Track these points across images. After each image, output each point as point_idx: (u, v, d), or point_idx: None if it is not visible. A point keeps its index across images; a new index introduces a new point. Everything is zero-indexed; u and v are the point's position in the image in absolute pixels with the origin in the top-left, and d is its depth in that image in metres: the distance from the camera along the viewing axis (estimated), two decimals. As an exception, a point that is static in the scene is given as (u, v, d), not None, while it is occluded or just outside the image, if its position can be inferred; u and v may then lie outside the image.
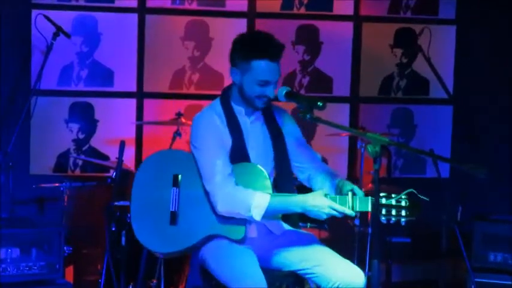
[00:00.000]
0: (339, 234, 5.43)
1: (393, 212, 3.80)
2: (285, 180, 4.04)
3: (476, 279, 5.26)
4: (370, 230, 5.45)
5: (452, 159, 3.82)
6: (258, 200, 3.83)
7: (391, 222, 3.83)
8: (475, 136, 6.47)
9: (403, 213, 3.80)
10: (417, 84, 6.55)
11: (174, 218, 3.96)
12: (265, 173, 3.96)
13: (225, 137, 3.99)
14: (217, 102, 4.08)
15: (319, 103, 3.85)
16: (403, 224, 3.83)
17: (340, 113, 6.43)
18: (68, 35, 5.62)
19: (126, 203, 5.11)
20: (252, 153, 4.01)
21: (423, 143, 6.43)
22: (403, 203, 3.81)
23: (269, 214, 3.87)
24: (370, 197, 3.79)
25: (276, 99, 4.01)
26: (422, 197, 3.77)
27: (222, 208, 3.89)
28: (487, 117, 6.49)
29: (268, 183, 3.95)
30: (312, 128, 6.34)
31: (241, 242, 3.93)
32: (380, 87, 6.53)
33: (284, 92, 3.98)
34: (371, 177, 5.44)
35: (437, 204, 5.94)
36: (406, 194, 3.80)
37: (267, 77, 3.91)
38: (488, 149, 6.46)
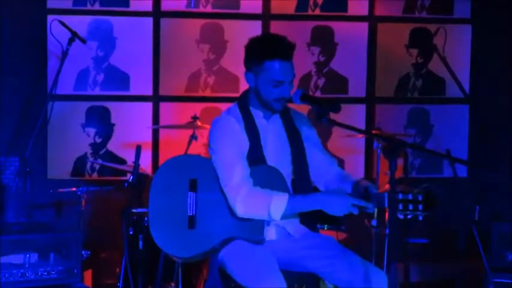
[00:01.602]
0: (356, 236, 5.42)
1: (410, 207, 3.79)
2: (303, 183, 4.05)
3: (494, 280, 5.23)
4: (387, 231, 5.43)
5: (466, 161, 3.81)
6: (277, 200, 3.85)
7: (409, 217, 3.81)
8: (492, 135, 6.44)
9: (420, 208, 3.79)
10: (433, 84, 6.53)
11: (192, 222, 3.97)
12: (282, 174, 3.96)
13: (242, 140, 4.00)
14: (235, 107, 4.10)
15: (334, 106, 3.84)
16: (420, 219, 3.82)
17: (356, 114, 6.42)
18: (83, 40, 5.64)
19: (143, 210, 5.13)
20: (269, 156, 4.02)
21: (440, 143, 6.42)
22: (419, 198, 3.79)
23: (288, 213, 3.88)
24: (386, 193, 3.78)
25: (291, 101, 4.01)
26: (438, 191, 3.76)
27: (241, 210, 3.90)
28: (504, 116, 6.46)
29: (285, 185, 3.96)
30: (328, 130, 6.34)
31: (260, 244, 3.94)
32: (396, 87, 6.52)
33: (299, 95, 3.98)
34: (387, 177, 5.42)
35: (454, 204, 5.95)
36: (422, 189, 3.79)
37: (280, 77, 3.92)
38: (505, 148, 6.43)
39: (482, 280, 5.34)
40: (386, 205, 3.80)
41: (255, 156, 3.98)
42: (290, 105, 4.12)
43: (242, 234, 3.95)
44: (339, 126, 3.96)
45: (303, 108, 4.25)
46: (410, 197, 3.81)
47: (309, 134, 4.17)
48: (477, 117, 6.52)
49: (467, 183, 6.12)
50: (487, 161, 6.29)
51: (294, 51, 3.98)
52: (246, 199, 3.88)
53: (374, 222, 5.37)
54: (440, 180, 6.38)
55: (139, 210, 5.16)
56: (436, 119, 6.55)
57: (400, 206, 3.80)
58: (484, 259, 5.22)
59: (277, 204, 3.84)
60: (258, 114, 4.07)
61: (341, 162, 6.42)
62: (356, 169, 6.39)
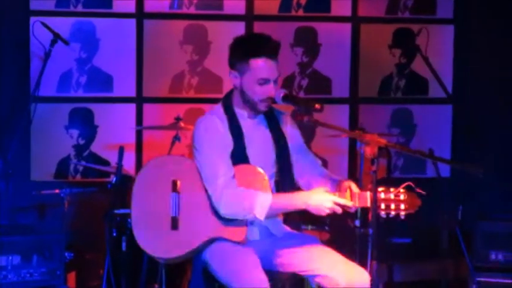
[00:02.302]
0: (340, 236, 5.42)
1: (392, 206, 3.81)
2: (287, 184, 4.05)
3: (478, 279, 5.25)
4: (371, 231, 5.44)
5: (447, 159, 3.83)
6: (261, 200, 3.85)
7: (391, 216, 3.83)
8: (475, 135, 6.46)
9: (402, 207, 3.81)
10: (416, 84, 6.55)
11: (175, 223, 3.97)
12: (265, 175, 3.96)
13: (226, 140, 4.00)
14: (219, 107, 4.10)
15: (316, 105, 3.85)
16: (402, 218, 3.84)
17: (339, 114, 6.43)
18: (66, 42, 5.63)
19: (126, 211, 5.12)
20: (253, 156, 4.02)
21: (423, 143, 6.42)
22: (401, 197, 3.82)
23: (272, 213, 3.89)
24: (368, 192, 3.80)
25: (274, 101, 4.02)
26: (419, 191, 3.79)
27: (225, 210, 3.90)
28: (487, 116, 6.48)
29: (267, 184, 3.96)
30: (311, 130, 6.34)
31: (243, 244, 3.94)
32: (379, 87, 6.53)
33: (281, 94, 3.98)
34: (371, 177, 5.43)
35: (438, 203, 5.96)
36: (404, 188, 3.82)
37: (266, 75, 3.93)
38: (488, 148, 6.44)
39: (466, 279, 5.36)
40: (368, 204, 3.81)
41: (239, 157, 3.99)
42: (273, 105, 4.12)
43: (225, 234, 3.95)
44: (320, 126, 3.97)
45: (287, 109, 4.25)
46: (392, 196, 3.83)
47: (293, 134, 4.18)
48: (460, 117, 6.53)
49: (451, 182, 6.13)
50: (470, 161, 6.31)
51: (279, 50, 3.97)
52: (231, 199, 3.88)
53: (357, 222, 5.37)
54: (423, 180, 6.40)
55: (122, 211, 5.15)
56: (420, 119, 6.56)
57: (383, 205, 3.82)
58: (468, 258, 5.23)
59: (261, 204, 3.84)
60: (242, 115, 4.07)
61: (324, 163, 6.39)
62: (340, 169, 6.40)
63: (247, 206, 3.87)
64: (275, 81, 3.99)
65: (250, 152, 4.02)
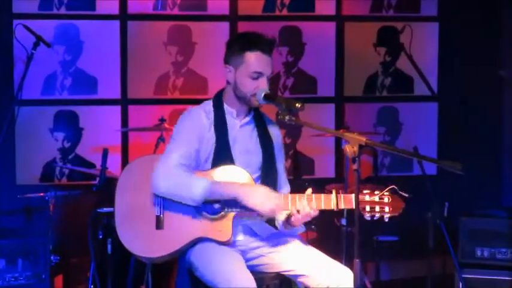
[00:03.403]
0: (326, 235, 5.42)
1: (377, 209, 3.81)
2: (270, 185, 4.01)
3: (464, 275, 5.25)
4: (358, 229, 5.44)
5: (428, 157, 3.83)
6: (199, 181, 3.85)
7: (375, 218, 3.83)
8: (461, 132, 6.47)
9: (387, 209, 3.81)
10: (402, 82, 6.56)
11: (159, 222, 3.95)
12: (248, 175, 3.95)
13: (204, 133, 3.99)
14: (209, 101, 4.11)
15: (297, 104, 3.84)
16: (386, 220, 3.84)
17: (325, 114, 6.43)
18: (48, 45, 5.60)
19: (110, 209, 5.10)
20: (237, 156, 4.00)
21: (409, 141, 6.44)
22: (385, 200, 3.82)
23: (209, 196, 3.85)
24: (353, 194, 3.79)
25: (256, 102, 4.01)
26: (403, 193, 3.78)
27: (162, 185, 3.87)
28: (472, 113, 6.49)
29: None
30: (297, 129, 6.34)
31: (227, 244, 3.93)
32: (364, 86, 6.53)
33: (263, 94, 3.98)
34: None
35: (424, 201, 5.96)
36: (388, 191, 3.81)
37: (259, 68, 3.95)
38: (474, 145, 6.46)
39: (453, 276, 5.36)
40: (353, 206, 3.80)
41: (222, 154, 3.98)
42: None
43: (210, 234, 3.93)
44: (302, 125, 3.97)
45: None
46: (377, 198, 3.82)
47: (278, 147, 4.16)
48: (446, 114, 6.54)
49: (437, 180, 6.13)
50: (455, 158, 6.30)
51: (274, 48, 4.01)
52: (170, 175, 3.87)
53: (343, 221, 5.38)
54: (410, 178, 6.41)
55: (106, 210, 5.11)
56: (405, 117, 6.57)
57: (368, 208, 3.81)
58: (453, 255, 5.23)
59: (197, 188, 3.83)
60: (231, 112, 4.07)
61: (311, 162, 6.43)
62: (326, 168, 6.41)
63: (184, 184, 3.85)
64: (268, 77, 3.99)
65: (235, 150, 4.01)
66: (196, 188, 3.84)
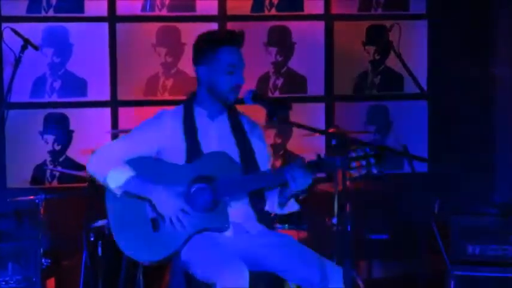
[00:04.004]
0: (318, 234, 5.42)
1: (363, 163, 3.77)
2: None
3: (455, 272, 5.25)
4: (349, 228, 5.44)
5: (408, 153, 3.86)
6: (119, 171, 3.90)
7: (363, 172, 3.80)
8: (451, 130, 6.48)
9: (373, 161, 3.77)
10: (391, 81, 6.56)
11: (155, 224, 3.95)
12: (233, 159, 3.96)
13: (174, 141, 4.00)
14: (181, 106, 4.13)
15: (284, 105, 3.86)
16: (374, 172, 3.81)
17: (315, 113, 6.42)
18: (36, 47, 5.58)
19: (104, 222, 5.10)
20: None
21: (399, 139, 6.44)
22: (367, 150, 3.77)
23: (126, 189, 3.91)
24: (337, 157, 3.78)
25: (243, 102, 4.01)
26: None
27: (90, 165, 4.00)
28: (462, 110, 6.49)
29: (237, 166, 3.95)
30: (288, 129, 6.34)
31: (225, 230, 3.93)
32: (354, 85, 6.53)
33: (251, 94, 3.98)
34: (347, 175, 5.44)
35: (414, 198, 5.97)
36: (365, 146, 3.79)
37: (234, 61, 3.97)
38: (464, 142, 6.46)
39: (444, 274, 5.36)
40: (339, 166, 3.78)
41: (194, 153, 3.99)
42: (243, 108, 4.11)
43: (207, 224, 3.92)
44: (289, 125, 3.98)
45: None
46: (360, 152, 3.79)
47: (258, 146, 4.14)
48: (436, 112, 6.54)
49: (427, 177, 6.14)
50: (446, 156, 6.33)
51: (243, 41, 4.03)
52: (100, 157, 3.98)
53: (335, 220, 5.37)
54: (401, 176, 6.40)
55: (99, 223, 5.10)
56: (395, 115, 6.57)
57: (354, 164, 3.79)
58: (444, 253, 5.23)
59: (117, 175, 3.89)
60: (201, 113, 4.07)
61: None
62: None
63: (105, 168, 3.92)
64: (242, 70, 4.00)
65: (209, 150, 4.01)
66: (115, 176, 3.90)
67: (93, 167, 4.01)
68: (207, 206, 3.94)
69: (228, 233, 4.01)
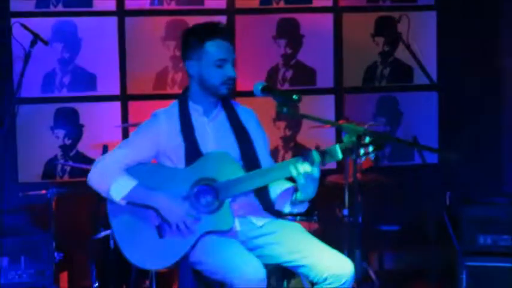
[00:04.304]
0: (329, 226, 5.42)
1: (361, 152, 3.75)
2: None
3: (467, 263, 5.26)
4: (360, 220, 5.47)
5: (425, 145, 3.86)
6: (122, 182, 3.89)
7: (363, 159, 3.79)
8: (461, 121, 6.47)
9: (370, 149, 3.76)
10: (401, 72, 6.54)
11: (161, 231, 3.95)
12: (233, 159, 3.94)
13: (172, 141, 3.99)
14: (175, 104, 4.11)
15: (294, 96, 3.84)
16: (372, 158, 3.81)
17: (325, 105, 6.41)
18: (45, 42, 5.59)
19: (107, 232, 5.10)
20: None
21: (409, 130, 6.43)
22: (367, 140, 3.75)
23: (130, 200, 3.90)
24: (337, 145, 3.77)
25: (253, 95, 4.01)
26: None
27: (93, 177, 3.99)
28: (472, 101, 6.49)
29: (238, 166, 3.94)
30: (297, 121, 6.34)
31: (231, 233, 3.92)
32: (364, 76, 6.52)
33: (260, 86, 3.98)
34: (358, 167, 5.45)
35: (425, 190, 5.97)
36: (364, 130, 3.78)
37: (223, 55, 3.96)
38: (474, 133, 6.45)
39: (456, 265, 5.37)
40: (340, 157, 3.78)
41: (192, 153, 3.97)
42: (253, 100, 4.11)
43: (212, 226, 3.91)
44: (300, 117, 3.98)
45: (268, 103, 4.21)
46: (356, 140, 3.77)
47: (256, 133, 4.13)
48: (446, 103, 6.52)
49: (438, 169, 6.14)
50: (456, 147, 6.32)
51: (231, 34, 4.11)
52: (101, 168, 3.97)
53: (345, 212, 5.38)
54: (412, 167, 6.40)
55: (103, 234, 5.09)
56: (405, 106, 6.55)
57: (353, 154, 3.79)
58: (456, 244, 5.24)
59: (120, 186, 3.89)
60: (197, 110, 4.05)
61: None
62: (327, 160, 6.39)
63: (107, 180, 3.91)
64: (232, 62, 3.99)
65: (208, 148, 3.99)
66: (118, 188, 3.89)
67: (95, 181, 4.00)
68: (211, 208, 3.93)
69: (235, 228, 4.00)
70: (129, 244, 3.94)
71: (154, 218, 3.95)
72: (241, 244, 3.92)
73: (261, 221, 4.04)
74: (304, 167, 3.79)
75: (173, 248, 3.91)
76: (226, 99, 4.12)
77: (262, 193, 4.01)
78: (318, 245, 3.92)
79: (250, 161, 4.02)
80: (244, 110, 4.18)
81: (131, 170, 3.98)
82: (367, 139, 3.72)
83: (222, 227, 3.91)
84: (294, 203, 3.96)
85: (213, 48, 3.96)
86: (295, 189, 3.90)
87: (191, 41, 4.02)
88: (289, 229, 4.02)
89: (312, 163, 3.79)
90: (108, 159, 4.02)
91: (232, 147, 4.04)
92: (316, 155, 3.79)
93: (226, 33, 4.03)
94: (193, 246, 3.91)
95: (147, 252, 3.93)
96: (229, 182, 3.90)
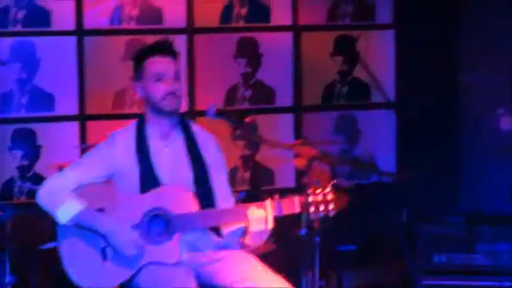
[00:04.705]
0: (285, 246, 5.42)
1: (321, 208, 3.81)
2: (206, 206, 3.99)
3: (423, 282, 5.28)
4: (317, 239, 5.46)
5: (376, 167, 3.87)
6: (70, 205, 3.86)
7: (321, 216, 3.84)
8: (418, 138, 6.51)
9: (331, 206, 3.81)
10: (359, 90, 6.58)
11: (105, 254, 3.93)
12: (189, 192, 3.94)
13: (127, 164, 3.97)
14: (133, 125, 4.10)
15: (246, 119, 3.87)
16: (331, 215, 3.86)
17: (284, 124, 6.43)
18: (3, 63, 5.57)
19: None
20: (166, 178, 3.98)
21: (368, 148, 6.47)
22: (329, 197, 3.82)
23: (77, 222, 3.88)
24: (297, 197, 3.81)
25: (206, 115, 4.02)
26: (345, 184, 3.82)
27: (40, 196, 3.97)
28: (430, 120, 6.53)
29: (194, 201, 3.93)
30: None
31: (176, 265, 3.90)
32: (322, 95, 6.55)
33: (213, 109, 3.99)
34: (314, 186, 5.46)
35: (382, 208, 6.00)
36: (331, 187, 3.82)
37: (160, 69, 3.97)
38: (431, 151, 6.49)
39: (412, 283, 5.39)
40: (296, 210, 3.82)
41: (148, 178, 3.96)
42: (203, 122, 4.12)
43: (158, 257, 3.90)
44: (256, 141, 4.00)
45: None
46: (320, 197, 3.83)
47: (214, 160, 4.12)
48: (403, 121, 6.57)
49: (395, 187, 6.16)
50: (414, 165, 6.35)
51: (174, 48, 4.06)
52: (50, 188, 3.96)
53: (303, 231, 5.37)
54: (369, 185, 6.43)
55: (50, 245, 5.07)
56: (364, 125, 6.59)
57: (312, 208, 3.83)
58: (412, 262, 5.26)
59: (67, 209, 3.86)
60: (153, 134, 4.05)
61: (271, 173, 6.43)
62: (287, 178, 6.41)
63: (56, 202, 3.89)
64: (175, 78, 3.99)
65: (163, 172, 3.98)
66: (65, 210, 3.87)
67: (43, 200, 3.98)
68: (160, 239, 3.92)
69: (184, 255, 3.97)
70: (72, 261, 3.93)
71: (101, 240, 3.93)
72: (191, 271, 3.90)
73: (207, 246, 4.04)
74: (259, 215, 3.83)
75: (114, 273, 3.90)
76: (185, 123, 4.11)
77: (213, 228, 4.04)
78: (261, 271, 3.92)
79: (203, 190, 4.01)
80: (204, 135, 4.16)
81: (84, 191, 3.96)
82: (330, 196, 3.78)
83: (167, 259, 3.89)
84: (240, 244, 3.98)
85: (151, 64, 3.98)
86: (245, 232, 3.93)
87: (135, 62, 4.08)
88: (238, 257, 4.00)
89: (266, 213, 3.83)
90: (58, 179, 4.00)
91: (186, 175, 4.03)
92: (269, 207, 3.83)
93: (164, 48, 4.04)
94: (135, 275, 3.90)
95: (87, 271, 3.92)
96: (182, 216, 3.89)
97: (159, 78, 3.96)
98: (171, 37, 6.19)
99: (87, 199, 3.94)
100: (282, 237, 5.36)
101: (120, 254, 3.86)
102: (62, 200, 3.90)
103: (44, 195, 3.97)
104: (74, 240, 3.95)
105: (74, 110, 6.18)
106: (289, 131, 6.39)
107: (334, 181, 3.84)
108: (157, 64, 3.98)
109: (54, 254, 4.87)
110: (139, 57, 4.04)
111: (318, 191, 3.83)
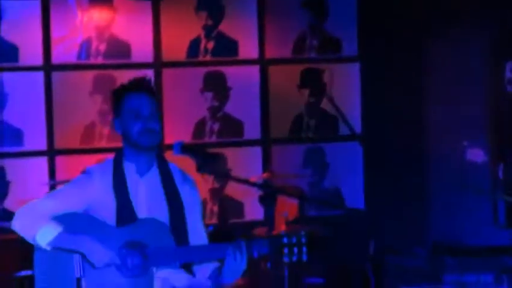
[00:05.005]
0: (255, 279, 5.44)
1: (295, 251, 3.83)
2: (180, 243, 4.01)
3: (391, 314, 5.33)
4: (286, 273, 5.50)
5: (348, 208, 3.93)
6: (49, 228, 3.85)
7: (294, 259, 3.86)
8: (386, 170, 6.56)
9: (305, 249, 3.83)
10: (327, 123, 6.64)
11: (79, 285, 3.93)
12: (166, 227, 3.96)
13: (104, 199, 3.99)
14: (110, 160, 4.11)
15: (211, 155, 3.89)
16: (304, 259, 3.87)
17: (252, 157, 6.47)
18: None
19: (29, 272, 5.05)
20: (142, 213, 4.00)
21: (336, 181, 6.52)
22: (303, 241, 3.84)
23: (57, 245, 3.85)
24: (268, 239, 3.84)
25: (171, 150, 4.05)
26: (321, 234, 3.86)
27: (17, 222, 3.91)
28: (397, 151, 6.58)
29: (171, 237, 3.95)
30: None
31: None
32: (290, 128, 6.60)
33: (180, 146, 4.02)
34: (283, 219, 5.50)
35: (349, 240, 6.03)
36: (305, 232, 3.85)
37: (136, 106, 3.96)
38: (399, 183, 6.54)
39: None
40: (267, 251, 3.84)
41: (125, 213, 3.97)
42: (170, 157, 4.14)
43: None
44: (218, 176, 4.02)
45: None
46: (294, 240, 3.86)
47: (190, 200, 4.11)
48: (370, 154, 6.62)
49: (363, 219, 6.20)
50: (381, 197, 6.40)
51: (151, 85, 4.07)
52: (25, 214, 3.91)
53: (268, 265, 5.41)
54: (338, 217, 6.46)
55: (24, 273, 5.06)
56: (332, 157, 6.64)
57: (286, 250, 3.85)
58: (378, 295, 5.30)
59: (45, 232, 3.84)
60: (130, 168, 4.06)
61: (241, 206, 6.45)
62: (255, 212, 6.43)
63: (33, 226, 3.85)
64: (152, 115, 3.99)
65: (139, 207, 4.01)
66: (44, 233, 3.83)
67: (19, 226, 3.94)
68: (135, 272, 3.92)
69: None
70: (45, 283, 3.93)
71: (77, 269, 3.93)
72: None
73: (180, 282, 4.04)
74: (236, 256, 3.85)
75: None
76: (162, 159, 4.13)
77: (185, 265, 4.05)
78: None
79: (177, 227, 3.99)
80: (181, 171, 4.19)
81: (61, 219, 3.96)
82: (303, 240, 3.80)
83: None
84: (217, 284, 4.00)
85: (129, 100, 3.98)
86: (219, 269, 3.95)
87: (113, 99, 4.08)
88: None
89: (241, 254, 3.85)
90: (35, 205, 3.95)
91: (162, 210, 4.02)
92: (243, 247, 3.86)
93: (142, 85, 4.04)
94: None
95: None
96: (159, 250, 3.90)
97: (136, 114, 3.99)
98: (139, 72, 6.27)
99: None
100: (250, 270, 5.38)
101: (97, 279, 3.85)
102: (40, 223, 3.88)
103: (20, 221, 3.93)
104: (49, 268, 3.94)
105: (42, 145, 6.18)
106: (257, 163, 6.42)
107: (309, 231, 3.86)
108: (135, 101, 3.99)
109: (30, 281, 4.92)
110: (118, 93, 4.06)
111: (293, 237, 3.84)
